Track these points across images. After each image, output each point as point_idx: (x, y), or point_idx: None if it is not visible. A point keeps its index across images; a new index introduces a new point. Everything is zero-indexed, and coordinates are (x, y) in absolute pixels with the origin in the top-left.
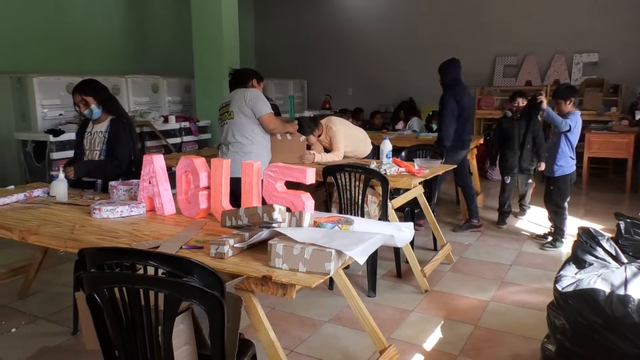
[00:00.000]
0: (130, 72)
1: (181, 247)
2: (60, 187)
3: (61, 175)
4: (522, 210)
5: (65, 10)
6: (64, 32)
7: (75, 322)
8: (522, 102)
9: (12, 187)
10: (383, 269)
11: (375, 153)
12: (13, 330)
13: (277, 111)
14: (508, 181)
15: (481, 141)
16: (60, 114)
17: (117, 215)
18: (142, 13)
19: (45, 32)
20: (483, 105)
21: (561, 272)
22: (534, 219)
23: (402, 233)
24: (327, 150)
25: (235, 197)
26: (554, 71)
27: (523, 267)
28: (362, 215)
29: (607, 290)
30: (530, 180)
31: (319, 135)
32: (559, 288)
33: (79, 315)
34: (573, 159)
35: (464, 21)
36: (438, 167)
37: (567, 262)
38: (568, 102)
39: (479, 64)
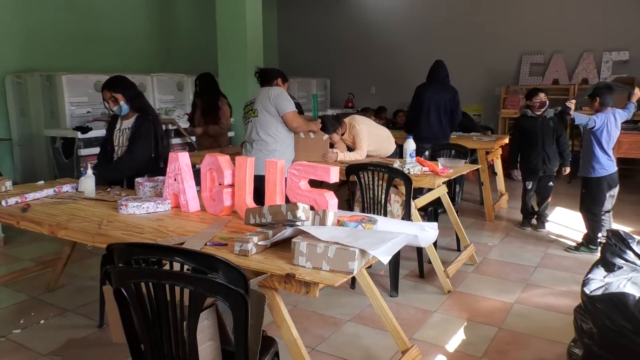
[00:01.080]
0: (156, 71)
1: (206, 244)
2: (88, 183)
3: (89, 171)
4: (541, 222)
5: (94, 11)
6: (92, 31)
7: (102, 316)
8: (544, 98)
9: (42, 182)
10: (405, 269)
11: (399, 152)
12: (42, 321)
13: (300, 109)
14: (530, 187)
15: (506, 141)
16: (88, 112)
17: (143, 211)
18: (168, 12)
19: (74, 32)
20: (508, 104)
21: (589, 275)
22: (561, 220)
23: (426, 233)
24: (351, 149)
25: (259, 194)
26: (582, 69)
27: (549, 270)
28: (385, 215)
29: (637, 294)
30: (551, 183)
31: (343, 134)
32: (587, 291)
33: (107, 309)
34: (610, 160)
35: (489, 19)
36: (462, 167)
37: (595, 265)
38: (594, 101)
39: (504, 63)
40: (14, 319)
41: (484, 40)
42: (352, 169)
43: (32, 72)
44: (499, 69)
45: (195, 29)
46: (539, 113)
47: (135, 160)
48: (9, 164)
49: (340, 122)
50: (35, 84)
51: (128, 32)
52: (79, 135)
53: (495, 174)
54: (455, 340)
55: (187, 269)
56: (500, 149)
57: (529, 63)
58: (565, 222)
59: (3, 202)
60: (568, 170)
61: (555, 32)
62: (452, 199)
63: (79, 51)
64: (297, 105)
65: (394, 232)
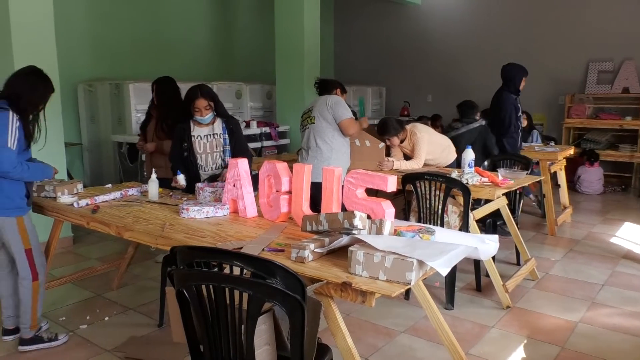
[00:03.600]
0: (216, 79)
1: (263, 249)
2: (152, 187)
3: (153, 176)
4: None
5: (159, 23)
6: (158, 42)
7: (162, 315)
8: None
9: (109, 185)
10: (462, 282)
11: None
12: (106, 318)
13: (356, 117)
14: None
15: (571, 152)
16: None
17: (203, 216)
18: (228, 23)
19: (141, 43)
20: (573, 113)
21: None
22: (631, 237)
23: (486, 246)
24: (407, 157)
25: (314, 202)
26: None
27: (617, 288)
28: (442, 226)
29: None
30: None
31: (402, 141)
32: None
33: (169, 310)
34: None
35: (553, 25)
36: (524, 178)
37: None
38: None
39: (569, 70)
40: (81, 315)
41: (548, 47)
42: (408, 178)
43: (102, 80)
44: (564, 76)
45: (254, 39)
46: None
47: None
48: (79, 167)
49: (402, 127)
50: (105, 92)
51: (191, 43)
52: None
53: (559, 185)
54: (514, 358)
55: (246, 274)
56: (564, 160)
57: (597, 70)
58: (635, 238)
59: (75, 204)
60: None
61: (626, 38)
62: (512, 211)
63: (145, 61)
64: (354, 114)
65: (453, 244)
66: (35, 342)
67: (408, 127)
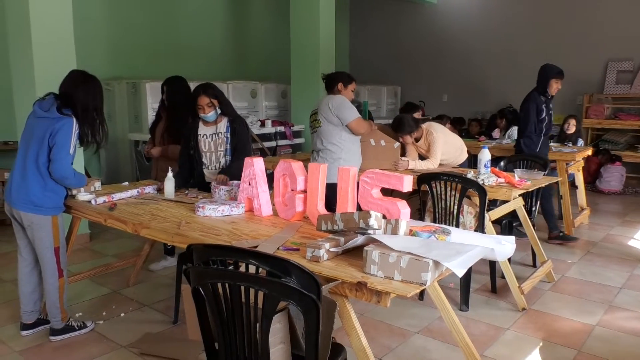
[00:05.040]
0: (231, 78)
1: (278, 248)
2: (168, 185)
3: (169, 174)
4: None
5: (175, 24)
6: (174, 43)
7: (176, 312)
8: None
9: (126, 183)
10: (477, 283)
11: (472, 162)
12: (122, 315)
13: (360, 111)
14: None
15: (589, 152)
16: None
17: (218, 214)
18: (244, 22)
19: (157, 43)
20: (591, 114)
21: None
22: None
23: (502, 247)
24: (421, 156)
25: (327, 202)
26: None
27: (636, 292)
28: (457, 226)
29: None
30: None
31: (418, 140)
32: None
33: (184, 307)
34: None
35: (571, 24)
36: (541, 179)
37: None
38: None
39: (588, 70)
40: (97, 311)
41: (565, 46)
42: (424, 178)
43: (119, 80)
44: (582, 76)
45: (269, 38)
46: None
47: None
48: (96, 165)
49: (418, 125)
50: (122, 91)
51: (207, 42)
52: None
53: (576, 187)
54: None
55: (261, 272)
56: (582, 160)
57: (616, 70)
58: None
59: (92, 201)
60: None
61: None
62: (529, 212)
63: (162, 60)
64: (357, 107)
65: (470, 245)
66: (66, 332)
67: (424, 125)
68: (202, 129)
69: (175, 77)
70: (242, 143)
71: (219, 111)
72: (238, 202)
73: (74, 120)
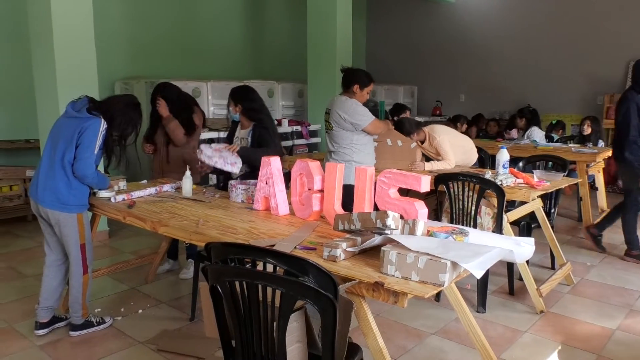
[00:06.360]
0: (248, 78)
1: (295, 247)
2: (186, 183)
3: (187, 172)
4: None
5: (194, 23)
6: (192, 42)
7: (193, 310)
8: None
9: (144, 181)
10: (494, 285)
11: (490, 162)
12: (140, 311)
13: (374, 110)
14: None
15: (609, 153)
16: None
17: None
18: (261, 21)
19: (176, 42)
20: (612, 114)
21: None
22: None
23: (521, 248)
24: (429, 160)
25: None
26: None
27: None
28: (475, 227)
29: None
30: None
31: (422, 142)
32: None
33: (202, 305)
34: None
35: (591, 22)
36: (560, 180)
37: None
38: None
39: (608, 69)
40: (116, 307)
41: (586, 45)
42: (441, 179)
43: (138, 78)
44: (603, 76)
45: (286, 38)
46: None
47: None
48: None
49: (419, 127)
50: (141, 90)
51: (224, 42)
52: None
53: (596, 188)
54: None
55: (279, 271)
56: (602, 161)
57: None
58: None
59: (112, 199)
60: None
61: None
62: (547, 214)
63: (180, 60)
64: (373, 107)
65: (488, 246)
66: (85, 327)
67: (426, 129)
68: (238, 131)
69: (162, 84)
70: (262, 140)
71: (236, 116)
72: (233, 163)
73: (102, 120)
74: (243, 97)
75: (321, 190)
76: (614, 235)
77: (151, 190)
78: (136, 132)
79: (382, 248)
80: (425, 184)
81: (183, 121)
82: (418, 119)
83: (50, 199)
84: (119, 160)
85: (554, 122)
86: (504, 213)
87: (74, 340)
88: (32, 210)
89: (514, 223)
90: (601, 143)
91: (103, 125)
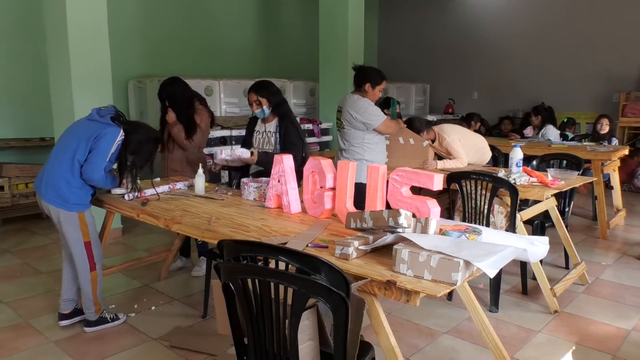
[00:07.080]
0: (260, 76)
1: (307, 245)
2: (199, 181)
3: (200, 170)
4: None
5: (207, 22)
6: (205, 41)
7: (205, 307)
8: None
9: (157, 179)
10: (507, 284)
11: (503, 161)
12: (153, 308)
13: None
14: None
15: (625, 152)
16: None
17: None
18: (273, 20)
19: (189, 41)
20: (628, 112)
21: None
22: None
23: (535, 248)
24: (441, 159)
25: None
26: None
27: None
28: (488, 226)
29: None
30: None
31: (433, 141)
32: None
33: (214, 302)
34: None
35: (606, 19)
36: (575, 179)
37: None
38: None
39: (624, 67)
40: (129, 303)
41: (601, 42)
42: (453, 177)
43: (151, 77)
44: (618, 73)
45: (298, 36)
46: None
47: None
48: None
49: (428, 126)
50: (154, 88)
51: (236, 40)
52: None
53: (612, 187)
54: None
55: (291, 269)
56: (618, 160)
57: None
58: None
59: (126, 196)
60: None
61: None
62: (561, 213)
63: (193, 58)
64: (385, 101)
65: (501, 245)
66: (99, 323)
67: (435, 129)
68: (258, 125)
69: (170, 80)
70: (288, 143)
71: (267, 111)
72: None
73: (121, 131)
74: (270, 91)
75: (333, 188)
76: (627, 234)
77: (164, 188)
78: (150, 165)
79: (395, 246)
80: (437, 182)
81: (183, 122)
82: (430, 117)
83: (51, 194)
84: (133, 186)
85: (565, 120)
86: (517, 212)
87: (88, 336)
88: (39, 205)
89: (527, 222)
90: (615, 141)
91: (121, 135)
